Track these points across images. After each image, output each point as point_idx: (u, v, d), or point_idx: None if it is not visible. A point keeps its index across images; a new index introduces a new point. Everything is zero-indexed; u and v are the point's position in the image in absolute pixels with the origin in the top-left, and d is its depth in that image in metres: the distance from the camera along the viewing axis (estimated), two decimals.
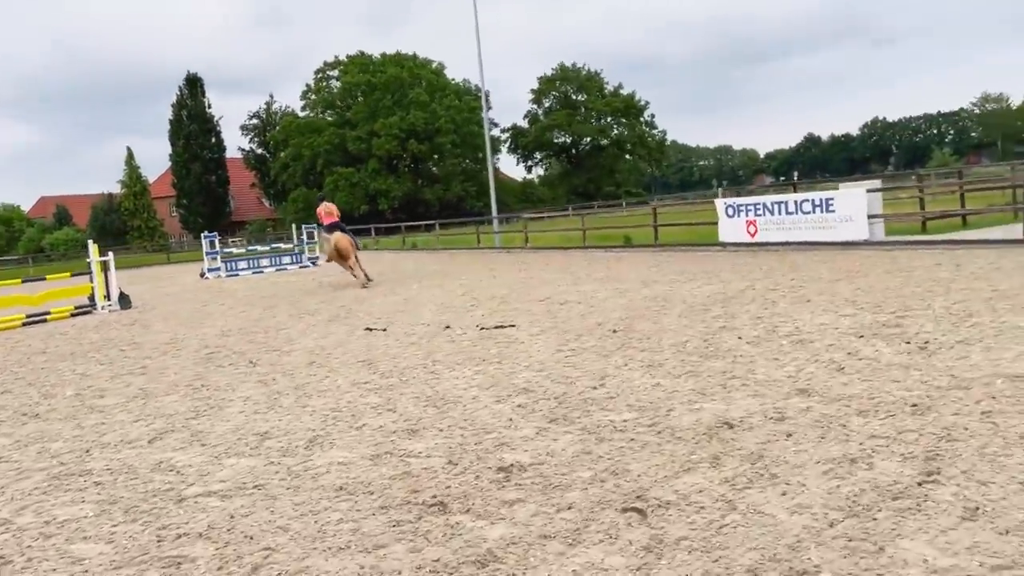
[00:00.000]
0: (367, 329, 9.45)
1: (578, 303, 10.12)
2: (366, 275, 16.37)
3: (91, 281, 16.11)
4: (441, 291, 13.62)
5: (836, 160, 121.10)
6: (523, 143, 77.73)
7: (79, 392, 7.18)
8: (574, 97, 77.05)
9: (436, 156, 61.15)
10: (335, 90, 63.78)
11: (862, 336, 6.31)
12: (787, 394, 4.82)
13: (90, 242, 16.22)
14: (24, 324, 14.48)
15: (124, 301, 16.51)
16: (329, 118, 62.99)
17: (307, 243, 27.43)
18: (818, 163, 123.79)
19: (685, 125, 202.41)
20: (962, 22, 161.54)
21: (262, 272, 25.71)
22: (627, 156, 77.63)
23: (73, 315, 15.48)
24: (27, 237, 64.98)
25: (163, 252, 53.35)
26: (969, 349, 5.52)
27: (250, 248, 27.79)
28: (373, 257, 29.11)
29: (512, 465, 4.00)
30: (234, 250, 27.41)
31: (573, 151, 79.74)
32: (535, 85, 77.80)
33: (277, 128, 64.53)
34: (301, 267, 26.60)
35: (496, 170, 76.77)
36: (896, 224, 16.31)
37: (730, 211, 17.76)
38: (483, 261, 20.92)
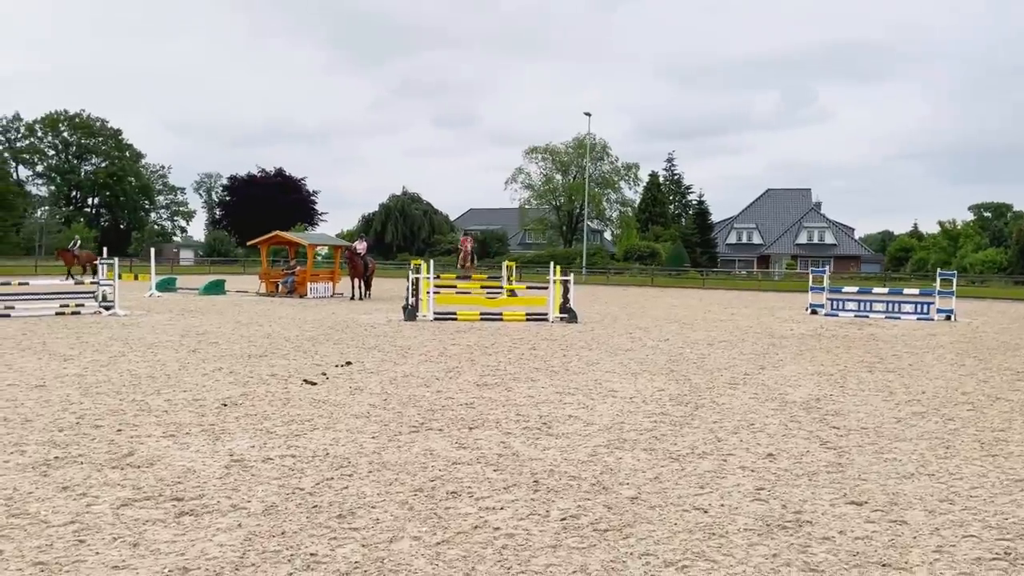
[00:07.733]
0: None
1: None
2: None
3: (550, 295, 20.27)
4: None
5: None
6: None
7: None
8: None
9: None
10: None
11: None
12: None
13: (552, 263, 20.29)
14: (527, 319, 19.93)
15: (571, 315, 20.06)
16: None
17: (941, 293, 22.98)
18: None
19: None
20: None
21: (866, 316, 23.30)
22: None
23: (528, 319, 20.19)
24: (960, 255, 65.70)
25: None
26: None
27: (862, 290, 24.79)
28: None
29: None
30: (844, 288, 25.01)
31: None
32: None
33: None
34: (920, 318, 22.71)
35: None
36: None
37: None
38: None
